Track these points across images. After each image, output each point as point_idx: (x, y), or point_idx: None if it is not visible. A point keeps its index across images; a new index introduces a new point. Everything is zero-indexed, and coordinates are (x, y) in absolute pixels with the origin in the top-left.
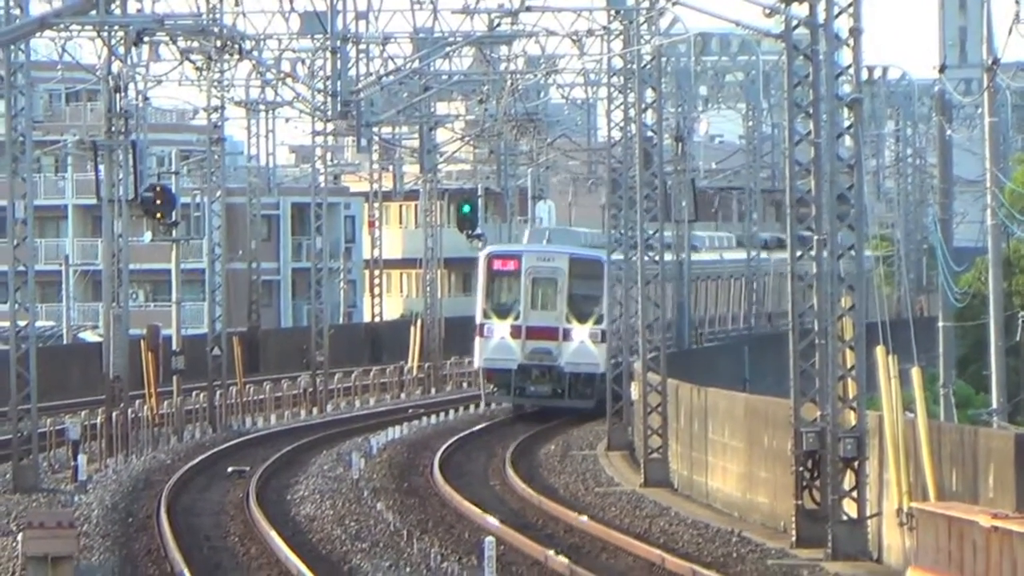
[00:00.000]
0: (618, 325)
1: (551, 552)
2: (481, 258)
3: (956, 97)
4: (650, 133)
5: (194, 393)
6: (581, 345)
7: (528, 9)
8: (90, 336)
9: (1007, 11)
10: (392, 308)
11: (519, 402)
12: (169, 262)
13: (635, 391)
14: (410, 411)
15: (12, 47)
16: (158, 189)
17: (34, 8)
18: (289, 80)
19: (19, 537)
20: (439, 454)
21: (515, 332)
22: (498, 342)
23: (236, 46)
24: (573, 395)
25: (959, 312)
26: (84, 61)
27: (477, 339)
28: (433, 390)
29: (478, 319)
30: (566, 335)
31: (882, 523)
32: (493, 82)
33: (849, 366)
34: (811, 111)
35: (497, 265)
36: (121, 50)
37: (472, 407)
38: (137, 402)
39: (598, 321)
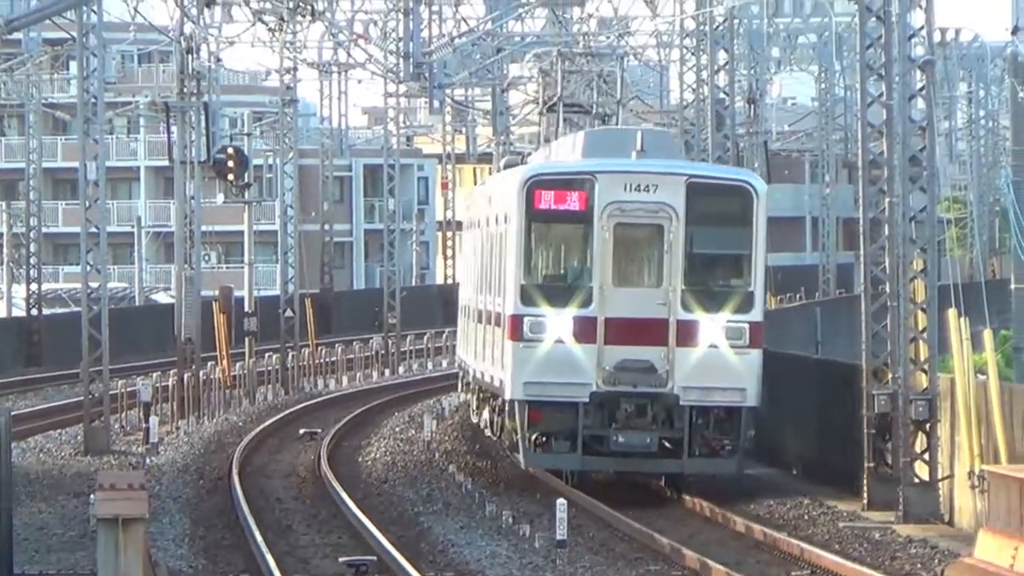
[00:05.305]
0: None
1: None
2: (515, 188)
3: None
4: (722, 95)
5: (266, 355)
6: (712, 353)
7: None
8: (162, 297)
9: None
10: None
11: (595, 467)
12: (241, 223)
13: None
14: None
15: (84, 8)
16: (231, 150)
17: None
18: (362, 42)
19: (91, 498)
20: None
21: (584, 331)
22: (551, 350)
23: (309, 7)
24: (699, 448)
25: None
26: (156, 22)
27: (509, 344)
28: None
29: (509, 307)
30: (684, 334)
31: (954, 486)
32: (566, 43)
33: (921, 328)
34: (883, 73)
35: (546, 200)
36: (194, 11)
37: None
38: (209, 364)
39: (743, 307)
